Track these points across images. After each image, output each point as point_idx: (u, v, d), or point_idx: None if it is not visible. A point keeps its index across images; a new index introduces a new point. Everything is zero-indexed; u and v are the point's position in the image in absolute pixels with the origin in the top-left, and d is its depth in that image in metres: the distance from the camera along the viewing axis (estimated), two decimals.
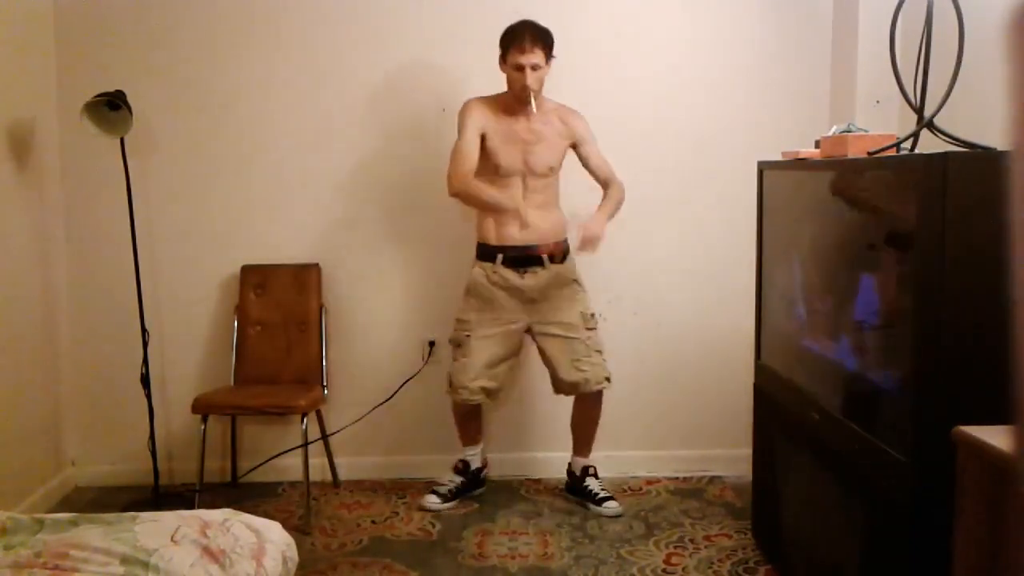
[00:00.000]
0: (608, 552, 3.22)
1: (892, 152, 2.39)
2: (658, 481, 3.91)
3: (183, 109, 3.81)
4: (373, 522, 3.51)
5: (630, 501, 3.68)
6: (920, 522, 2.02)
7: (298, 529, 3.36)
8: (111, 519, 2.13)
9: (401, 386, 3.81)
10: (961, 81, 2.27)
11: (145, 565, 1.87)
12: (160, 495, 3.64)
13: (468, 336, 3.49)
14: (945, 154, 2.00)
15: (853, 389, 2.51)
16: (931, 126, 2.31)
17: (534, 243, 3.48)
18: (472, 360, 3.47)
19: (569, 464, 3.74)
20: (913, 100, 2.41)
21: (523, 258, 3.47)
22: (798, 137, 3.18)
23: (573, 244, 3.51)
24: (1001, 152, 1.96)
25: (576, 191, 3.60)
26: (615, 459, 3.89)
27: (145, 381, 3.62)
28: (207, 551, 1.97)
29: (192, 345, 3.91)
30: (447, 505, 3.60)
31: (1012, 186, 0.62)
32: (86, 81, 3.58)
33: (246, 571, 1.99)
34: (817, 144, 2.79)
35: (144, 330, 3.61)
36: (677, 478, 3.94)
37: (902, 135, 2.49)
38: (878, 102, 3.43)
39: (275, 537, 2.19)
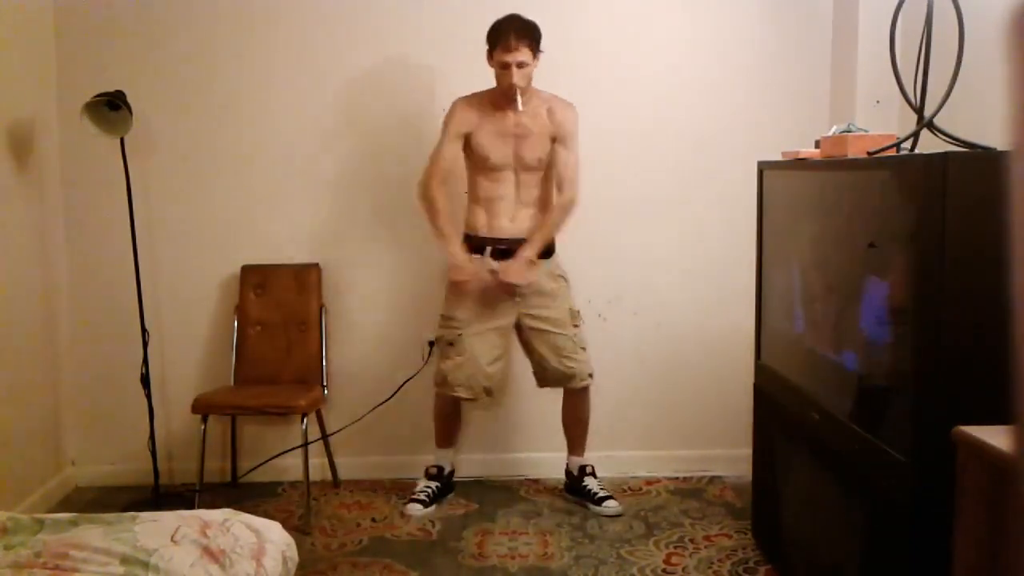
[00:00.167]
0: (608, 552, 3.22)
1: (892, 152, 2.39)
2: (658, 481, 3.91)
3: (183, 109, 3.81)
4: (373, 521, 3.51)
5: (630, 501, 3.68)
6: (920, 522, 2.02)
7: (298, 529, 3.36)
8: (111, 519, 2.13)
9: (401, 386, 3.81)
10: (961, 81, 2.27)
11: (145, 565, 1.87)
12: (160, 495, 3.64)
13: (460, 334, 3.48)
14: (945, 154, 2.00)
15: (853, 389, 2.50)
16: (931, 126, 2.31)
17: (523, 237, 3.47)
18: (469, 358, 3.47)
19: (566, 464, 3.74)
20: (913, 100, 2.41)
21: (512, 251, 3.47)
22: (798, 137, 3.18)
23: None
24: (1001, 152, 1.96)
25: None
26: (615, 459, 3.89)
27: (145, 381, 3.62)
28: (207, 551, 1.97)
29: (192, 345, 3.91)
30: (428, 511, 3.59)
31: (1012, 186, 0.62)
32: (86, 81, 3.58)
33: (246, 571, 1.99)
34: (817, 144, 2.79)
35: (144, 330, 3.61)
36: (677, 478, 3.94)
37: (902, 135, 2.49)
38: (878, 102, 3.43)
39: (275, 537, 2.19)
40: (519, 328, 3.56)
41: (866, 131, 2.63)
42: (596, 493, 3.60)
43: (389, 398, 3.83)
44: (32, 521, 2.12)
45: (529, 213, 3.49)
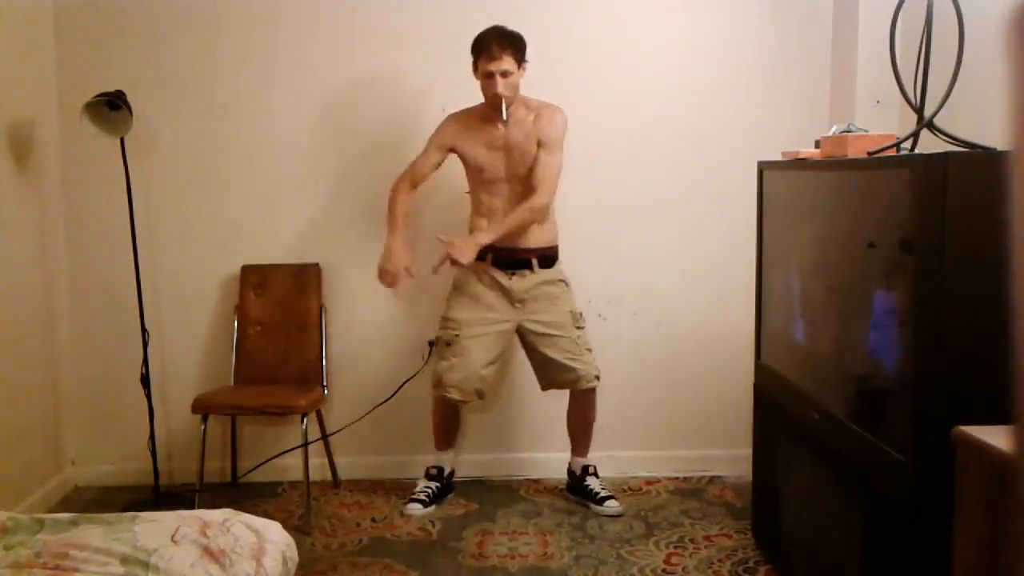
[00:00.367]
0: (608, 552, 3.22)
1: (892, 152, 2.39)
2: (658, 481, 3.91)
3: (183, 109, 3.81)
4: (373, 521, 3.51)
5: (630, 501, 3.68)
6: (920, 522, 2.02)
7: (298, 529, 3.36)
8: (111, 519, 2.13)
9: (401, 386, 3.81)
10: (961, 81, 2.27)
11: (145, 565, 1.87)
12: (160, 495, 3.64)
13: (458, 335, 3.48)
14: (945, 154, 2.00)
15: (853, 389, 2.51)
16: (931, 126, 2.31)
17: (524, 247, 3.48)
18: (464, 360, 3.47)
19: (569, 464, 3.74)
20: (913, 100, 2.41)
21: (512, 260, 3.48)
22: (798, 137, 3.18)
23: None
24: (1001, 152, 1.96)
25: (569, 200, 3.59)
26: (615, 459, 3.89)
27: (145, 381, 3.62)
28: (207, 551, 1.97)
29: (192, 345, 3.91)
30: (428, 511, 3.59)
31: (1012, 186, 0.62)
32: (86, 81, 3.58)
33: (246, 571, 1.99)
34: (817, 144, 2.79)
35: (144, 330, 3.61)
36: (677, 478, 3.94)
37: (902, 135, 2.49)
38: (878, 102, 3.43)
39: (275, 537, 2.19)
40: (521, 335, 3.56)
41: (866, 131, 2.63)
42: (598, 493, 3.60)
43: (389, 398, 3.82)
44: (32, 521, 2.12)
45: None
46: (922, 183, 2.00)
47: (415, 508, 3.58)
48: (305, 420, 3.47)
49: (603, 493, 3.60)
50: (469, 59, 3.40)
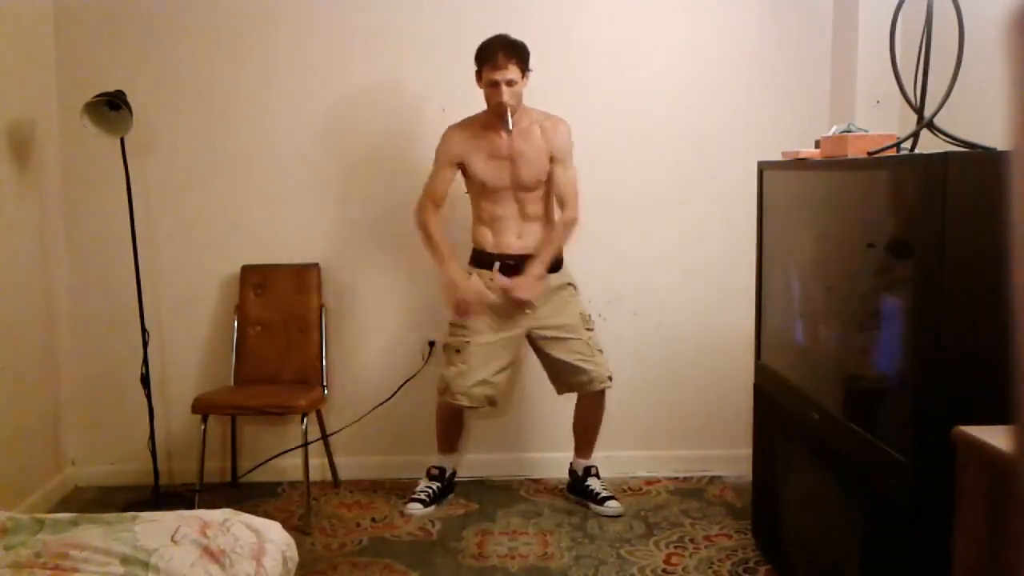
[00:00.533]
0: (608, 552, 3.22)
1: (892, 152, 2.39)
2: (658, 481, 3.91)
3: (183, 109, 3.81)
4: (373, 521, 3.51)
5: (630, 501, 3.68)
6: (920, 522, 2.02)
7: (298, 529, 3.36)
8: (111, 519, 2.13)
9: (401, 386, 3.81)
10: (961, 81, 2.27)
11: (145, 565, 1.87)
12: (160, 495, 3.64)
13: (468, 342, 3.47)
14: (945, 154, 2.00)
15: (853, 389, 2.51)
16: (931, 126, 2.31)
17: (530, 253, 3.48)
18: (473, 366, 3.46)
19: (571, 464, 3.74)
20: (913, 100, 2.41)
21: (519, 266, 3.47)
22: (798, 137, 3.18)
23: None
24: (1001, 152, 1.96)
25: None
26: (615, 459, 3.89)
27: (145, 381, 3.62)
28: (207, 551, 1.97)
29: (192, 345, 3.91)
30: (428, 511, 3.59)
31: (1012, 186, 0.62)
32: (86, 81, 3.58)
33: (246, 571, 1.99)
34: (817, 144, 2.79)
35: (144, 330, 3.61)
36: (677, 478, 3.94)
37: (902, 135, 2.49)
38: (878, 102, 3.43)
39: (275, 537, 2.19)
40: (531, 340, 3.55)
41: (866, 131, 2.63)
42: (599, 493, 3.60)
43: (389, 398, 3.83)
44: (32, 521, 2.12)
45: (534, 228, 3.50)
46: (922, 183, 2.00)
47: (415, 508, 3.58)
48: (305, 420, 3.47)
49: (603, 493, 3.60)
50: (469, 59, 3.40)
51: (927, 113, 2.34)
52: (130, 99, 3.47)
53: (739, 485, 3.77)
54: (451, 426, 3.71)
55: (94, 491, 3.85)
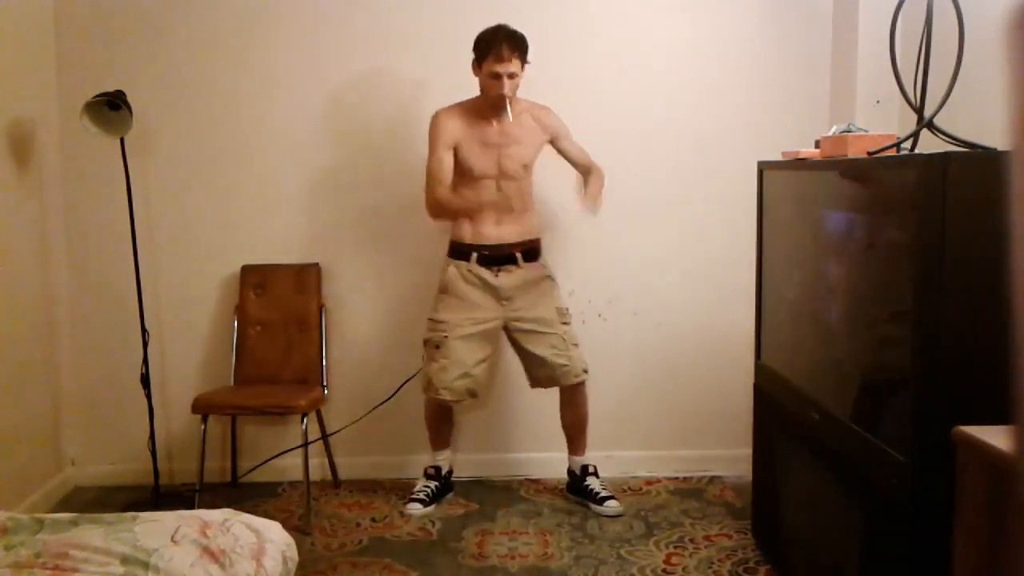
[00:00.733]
0: (608, 552, 3.22)
1: (892, 152, 2.39)
2: (658, 481, 3.91)
3: (183, 109, 3.81)
4: (373, 521, 3.51)
5: (630, 501, 3.68)
6: (920, 522, 2.01)
7: (298, 529, 3.36)
8: (111, 519, 2.13)
9: (401, 386, 3.81)
10: (961, 81, 2.27)
11: (145, 565, 1.87)
12: (160, 495, 3.64)
13: (446, 337, 3.48)
14: (945, 154, 2.00)
15: (853, 389, 2.50)
16: (931, 126, 2.31)
17: (508, 242, 3.49)
18: (453, 361, 3.47)
19: (568, 464, 3.74)
20: (913, 100, 2.41)
21: (497, 257, 3.48)
22: (798, 137, 3.18)
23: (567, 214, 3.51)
24: (1001, 152, 1.96)
25: (553, 192, 3.59)
26: (615, 459, 3.89)
27: (145, 381, 3.62)
28: (207, 551, 1.97)
29: (192, 345, 3.91)
30: (428, 510, 3.59)
31: (1012, 186, 0.62)
32: (86, 81, 3.58)
33: (246, 571, 1.99)
34: (817, 144, 2.79)
35: (144, 330, 3.61)
36: (677, 478, 3.94)
37: (902, 135, 2.49)
38: (878, 102, 3.43)
39: (275, 537, 2.19)
40: (508, 331, 3.56)
41: (866, 131, 2.63)
42: (598, 493, 3.60)
43: (389, 398, 3.83)
44: (32, 521, 2.12)
45: (512, 218, 3.50)
46: (922, 183, 2.00)
47: (415, 508, 3.58)
48: (305, 420, 3.47)
49: (603, 493, 3.60)
50: (469, 59, 3.40)
51: (927, 113, 2.34)
52: (130, 99, 3.47)
53: (739, 485, 3.77)
54: (440, 421, 3.71)
55: (94, 491, 3.85)
